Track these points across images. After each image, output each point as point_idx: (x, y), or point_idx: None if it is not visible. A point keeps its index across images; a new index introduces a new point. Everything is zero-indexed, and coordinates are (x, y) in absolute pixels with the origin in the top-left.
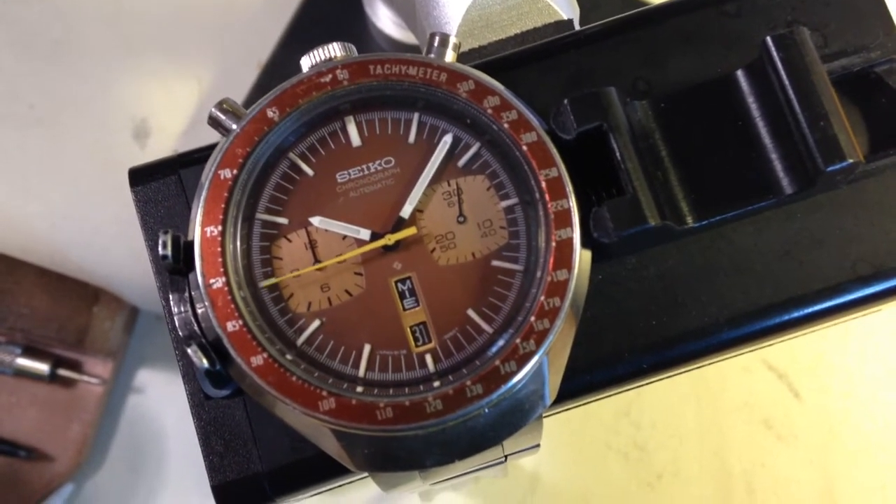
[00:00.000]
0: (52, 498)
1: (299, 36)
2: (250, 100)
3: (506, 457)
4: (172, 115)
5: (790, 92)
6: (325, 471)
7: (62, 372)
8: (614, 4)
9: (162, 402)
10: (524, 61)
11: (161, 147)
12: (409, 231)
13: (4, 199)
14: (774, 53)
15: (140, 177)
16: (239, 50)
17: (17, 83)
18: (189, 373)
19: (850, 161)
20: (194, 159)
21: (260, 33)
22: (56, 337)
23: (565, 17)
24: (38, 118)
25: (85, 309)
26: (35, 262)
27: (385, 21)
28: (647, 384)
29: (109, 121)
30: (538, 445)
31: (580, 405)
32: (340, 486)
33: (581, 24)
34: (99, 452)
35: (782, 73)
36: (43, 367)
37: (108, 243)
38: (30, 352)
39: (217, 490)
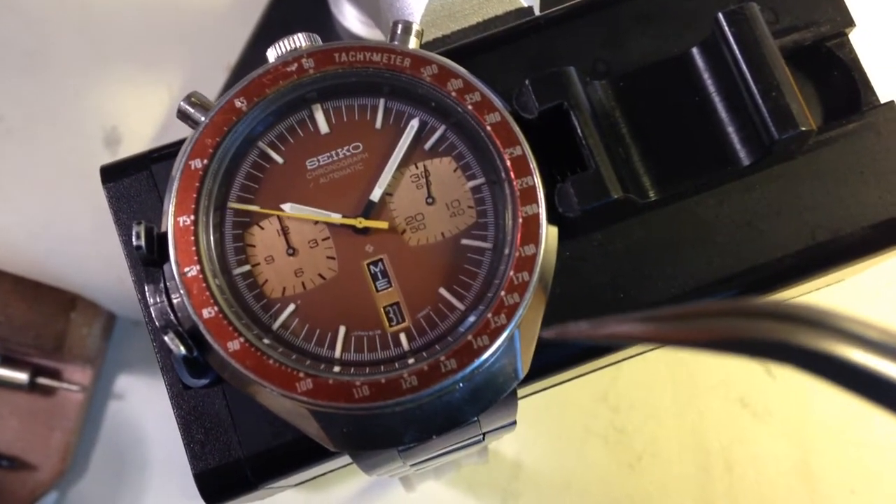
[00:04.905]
0: None
1: (267, 37)
2: None
3: (483, 435)
4: (143, 122)
5: (742, 65)
6: (305, 454)
7: (41, 380)
8: None
9: (143, 407)
10: (486, 47)
11: (131, 153)
12: (380, 224)
13: None
14: (726, 29)
15: (112, 174)
16: (208, 55)
17: None
18: (167, 364)
19: (802, 129)
20: (165, 155)
21: (228, 37)
22: (34, 344)
23: (525, 5)
24: (9, 129)
25: (62, 315)
26: (11, 272)
27: (352, 20)
28: (621, 361)
29: (81, 129)
30: (514, 423)
31: (554, 385)
32: (324, 474)
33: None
34: (82, 460)
35: (734, 47)
36: (22, 377)
37: (83, 250)
38: (8, 362)
39: (199, 478)
